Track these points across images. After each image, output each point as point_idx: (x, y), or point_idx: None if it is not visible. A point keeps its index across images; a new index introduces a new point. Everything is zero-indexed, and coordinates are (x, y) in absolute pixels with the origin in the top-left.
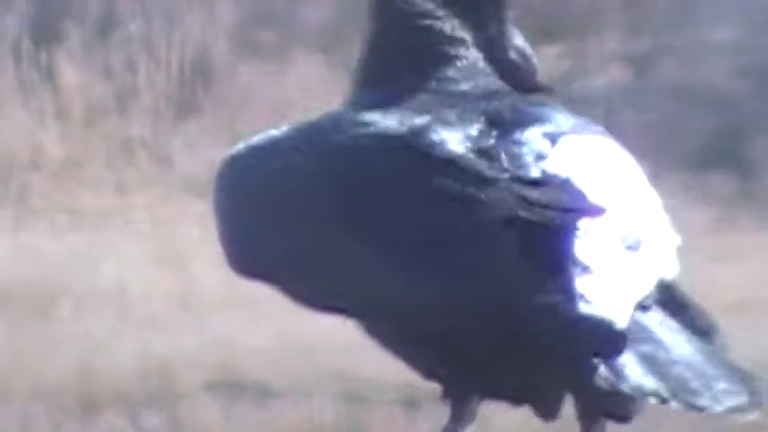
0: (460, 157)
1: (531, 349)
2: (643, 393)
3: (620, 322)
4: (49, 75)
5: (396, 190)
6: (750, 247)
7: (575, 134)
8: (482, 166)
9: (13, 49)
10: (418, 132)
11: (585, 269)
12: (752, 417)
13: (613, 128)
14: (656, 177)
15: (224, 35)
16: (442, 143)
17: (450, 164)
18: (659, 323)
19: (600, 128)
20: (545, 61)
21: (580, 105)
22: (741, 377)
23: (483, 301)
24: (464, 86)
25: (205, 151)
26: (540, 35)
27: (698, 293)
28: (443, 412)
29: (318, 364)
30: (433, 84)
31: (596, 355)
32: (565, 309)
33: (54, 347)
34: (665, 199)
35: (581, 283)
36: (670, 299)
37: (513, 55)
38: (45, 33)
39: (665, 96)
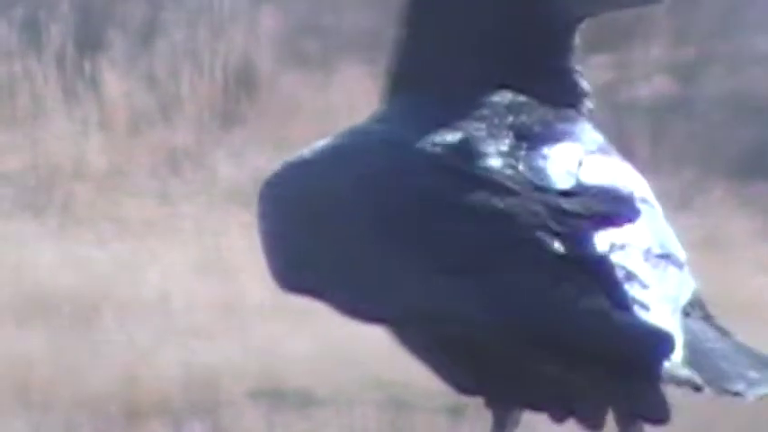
0: (493, 173)
1: (578, 359)
2: (679, 381)
3: (670, 328)
4: (93, 84)
5: (434, 209)
6: None
7: (600, 153)
8: (514, 181)
9: (57, 57)
10: (451, 152)
11: (629, 276)
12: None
13: (660, 136)
14: (702, 186)
15: (268, 44)
16: (474, 161)
17: (484, 181)
18: (693, 322)
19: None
20: (591, 71)
21: (626, 114)
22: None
23: (526, 315)
24: (493, 97)
25: (249, 161)
26: (586, 45)
27: (744, 303)
28: (487, 419)
29: (361, 372)
30: (463, 93)
31: (650, 361)
32: (614, 316)
33: (98, 356)
34: (711, 207)
35: (627, 290)
36: (697, 305)
37: None
38: (89, 42)
39: (710, 105)
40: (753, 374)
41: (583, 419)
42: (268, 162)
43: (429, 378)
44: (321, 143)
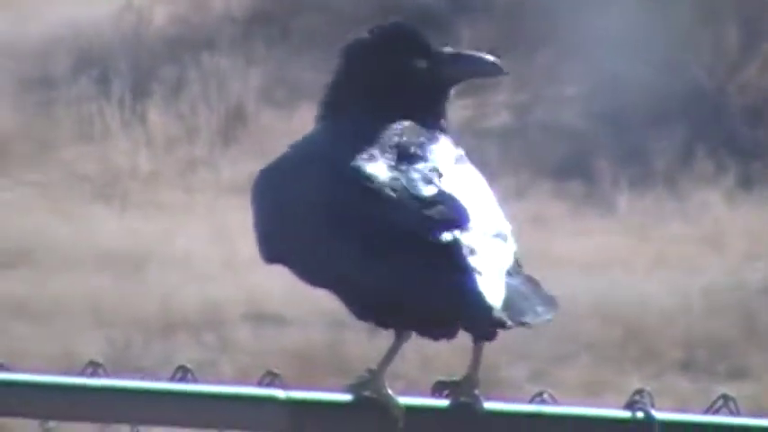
0: (383, 185)
1: (439, 306)
2: (496, 320)
3: (496, 286)
4: (142, 118)
5: (344, 212)
6: (592, 227)
7: (457, 164)
8: (393, 191)
9: (119, 102)
10: (354, 168)
11: (472, 251)
12: (549, 317)
13: (504, 152)
14: (533, 182)
15: (253, 93)
16: (371, 176)
17: (377, 192)
18: (511, 278)
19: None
20: (458, 109)
21: (482, 138)
22: (551, 300)
23: (407, 282)
24: (386, 125)
25: (243, 167)
26: (456, 92)
27: (557, 259)
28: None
29: (312, 303)
30: (366, 122)
31: (485, 306)
32: (461, 282)
33: (144, 291)
34: (539, 196)
35: (470, 262)
36: (515, 263)
37: None
38: (139, 91)
39: (537, 130)
40: (539, 309)
41: (436, 338)
42: (253, 167)
43: None
44: (283, 156)
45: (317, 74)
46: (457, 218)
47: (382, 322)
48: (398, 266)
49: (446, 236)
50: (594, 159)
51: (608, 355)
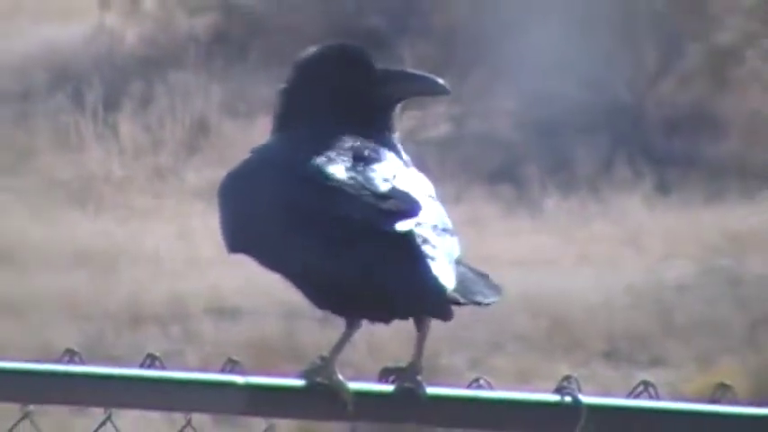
0: (342, 183)
1: (394, 291)
2: (451, 299)
3: (448, 270)
4: (114, 129)
5: (306, 208)
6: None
7: (406, 167)
8: (352, 188)
9: (92, 114)
10: (315, 168)
11: (425, 241)
12: (496, 299)
13: (444, 159)
14: (468, 186)
15: (215, 106)
16: (330, 175)
17: (336, 189)
18: (459, 266)
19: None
20: (402, 120)
21: (423, 146)
22: (495, 286)
23: (363, 268)
24: (339, 133)
25: (205, 174)
26: (403, 105)
27: (483, 256)
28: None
29: (268, 296)
30: (321, 131)
31: (441, 287)
32: (417, 267)
33: (117, 286)
34: (474, 199)
35: (423, 250)
36: (461, 258)
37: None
38: (111, 104)
39: (473, 140)
40: (487, 291)
41: (388, 322)
42: (215, 174)
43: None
44: (247, 160)
45: (274, 89)
46: (410, 210)
47: (339, 309)
48: (358, 255)
49: (401, 226)
50: (524, 166)
51: (537, 345)
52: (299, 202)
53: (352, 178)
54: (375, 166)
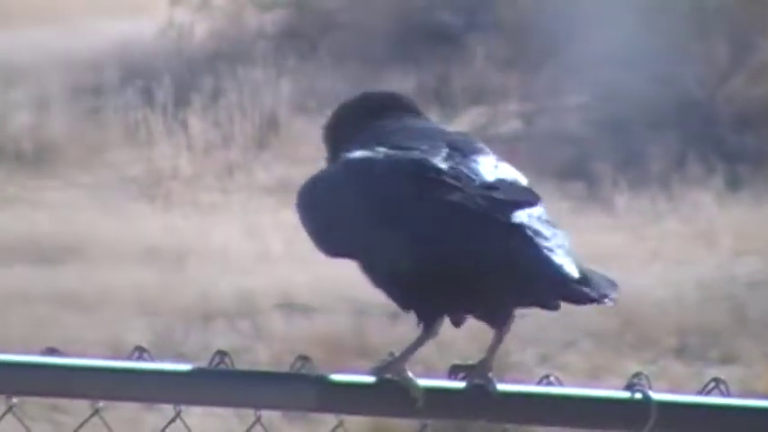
0: (445, 175)
1: (513, 281)
2: (589, 298)
3: (567, 260)
4: (183, 125)
5: (410, 201)
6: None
7: (500, 161)
8: (458, 179)
9: (162, 110)
10: (417, 162)
11: (537, 233)
12: (616, 294)
13: (512, 157)
14: (536, 184)
15: (285, 102)
16: (433, 168)
17: (441, 182)
18: (575, 259)
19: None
20: (473, 117)
21: (493, 144)
22: (611, 280)
23: (484, 260)
24: (429, 125)
25: (274, 170)
26: (469, 101)
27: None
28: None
29: (338, 293)
30: (411, 123)
31: (565, 278)
32: (540, 255)
33: (185, 282)
34: (541, 197)
35: (538, 241)
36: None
37: None
38: (180, 100)
39: (542, 137)
40: (609, 285)
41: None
42: (285, 170)
43: (377, 295)
44: (337, 165)
45: (344, 85)
46: (521, 201)
47: (430, 309)
48: (477, 246)
49: (515, 216)
50: (595, 163)
51: (608, 342)
52: (407, 197)
53: (452, 169)
54: (474, 157)
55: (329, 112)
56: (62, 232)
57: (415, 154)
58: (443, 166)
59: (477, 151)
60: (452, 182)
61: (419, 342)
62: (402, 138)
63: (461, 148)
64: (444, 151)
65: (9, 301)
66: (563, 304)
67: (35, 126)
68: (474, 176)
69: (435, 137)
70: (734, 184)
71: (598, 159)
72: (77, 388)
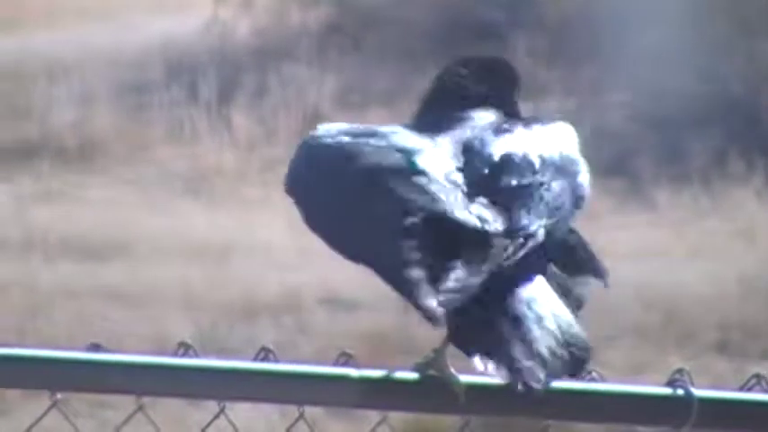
0: (438, 173)
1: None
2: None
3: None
4: (227, 121)
5: (396, 193)
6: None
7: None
8: (454, 181)
9: (206, 106)
10: (416, 154)
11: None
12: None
13: None
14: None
15: (328, 98)
16: (429, 163)
17: (430, 178)
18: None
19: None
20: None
21: None
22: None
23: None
24: (461, 122)
25: None
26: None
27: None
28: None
29: (382, 289)
30: (446, 120)
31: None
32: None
33: (228, 277)
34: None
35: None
36: None
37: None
38: (224, 97)
39: (585, 134)
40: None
41: None
42: None
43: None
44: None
45: (387, 80)
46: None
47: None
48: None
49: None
50: (637, 159)
51: (650, 338)
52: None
53: (457, 169)
54: (480, 158)
55: (372, 107)
56: (107, 228)
57: (421, 147)
58: (442, 165)
59: (489, 151)
60: (445, 184)
61: (448, 337)
62: (438, 129)
63: (473, 148)
64: (456, 149)
65: (55, 297)
66: (602, 299)
67: (80, 122)
68: (472, 180)
69: (461, 131)
70: None
71: (640, 156)
72: (121, 384)
